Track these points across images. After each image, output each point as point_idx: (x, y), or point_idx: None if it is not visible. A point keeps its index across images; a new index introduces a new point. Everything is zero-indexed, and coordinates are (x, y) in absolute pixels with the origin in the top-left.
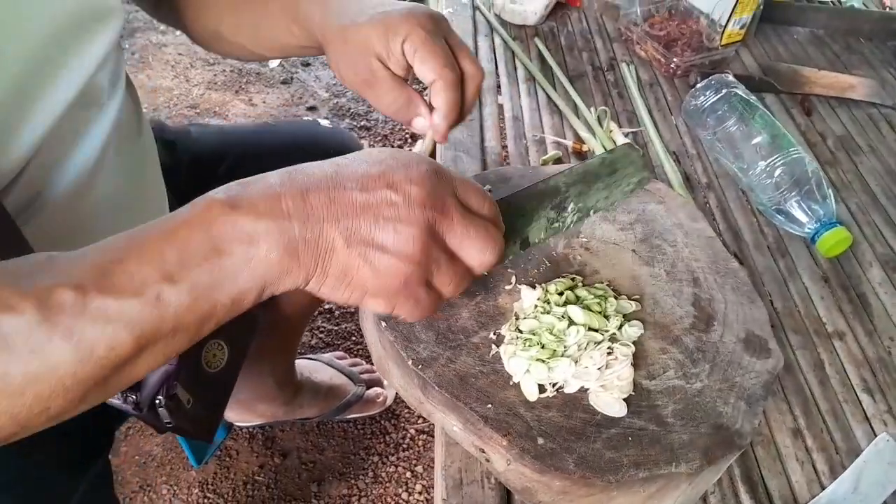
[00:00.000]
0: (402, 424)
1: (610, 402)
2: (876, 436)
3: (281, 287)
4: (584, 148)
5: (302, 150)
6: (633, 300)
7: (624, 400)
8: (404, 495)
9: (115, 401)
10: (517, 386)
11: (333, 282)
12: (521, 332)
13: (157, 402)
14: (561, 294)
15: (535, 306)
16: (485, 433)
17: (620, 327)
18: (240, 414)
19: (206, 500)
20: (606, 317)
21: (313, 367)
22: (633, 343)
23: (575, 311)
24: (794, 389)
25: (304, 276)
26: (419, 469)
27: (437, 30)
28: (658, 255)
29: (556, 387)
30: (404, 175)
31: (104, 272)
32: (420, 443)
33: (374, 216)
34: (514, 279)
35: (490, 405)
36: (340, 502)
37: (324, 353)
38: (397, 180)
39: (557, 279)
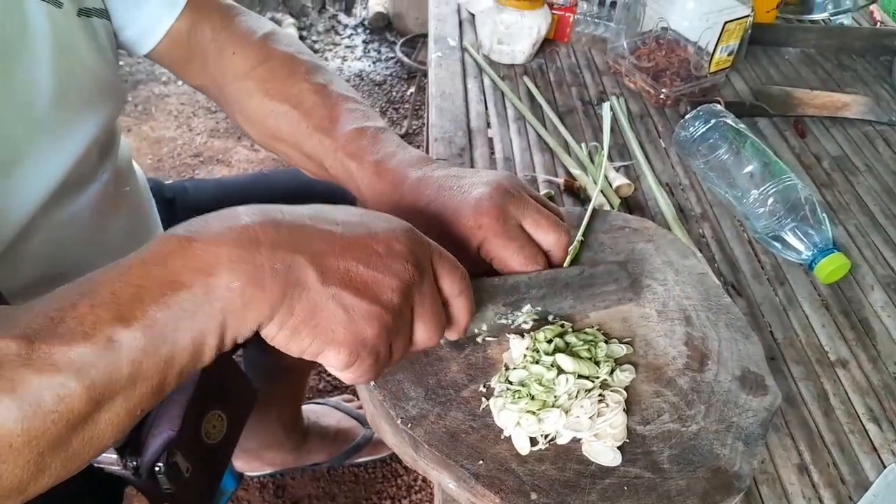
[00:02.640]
0: None
1: (603, 451)
2: (885, 467)
3: (243, 326)
4: (577, 185)
5: (297, 197)
6: (625, 343)
7: (618, 448)
8: None
9: (115, 467)
10: (509, 440)
11: (298, 323)
12: (510, 383)
13: (158, 468)
14: (550, 342)
15: (525, 356)
16: (477, 490)
17: (612, 373)
18: (248, 463)
19: None
20: (597, 363)
21: (321, 412)
22: (626, 388)
23: (564, 360)
24: (798, 423)
25: (268, 310)
26: None
27: (509, 221)
28: (649, 296)
29: (548, 438)
30: (387, 228)
31: (52, 320)
32: (432, 484)
33: (355, 258)
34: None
35: (481, 461)
36: None
37: (331, 396)
38: (380, 232)
39: (546, 326)
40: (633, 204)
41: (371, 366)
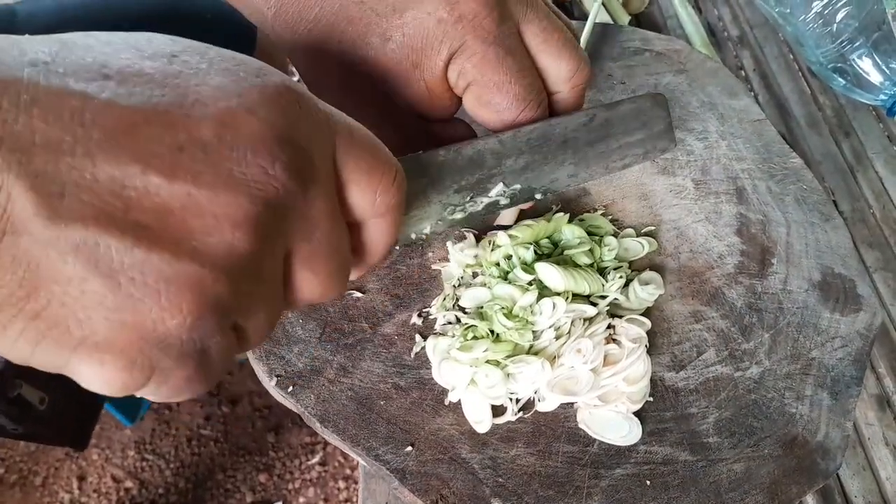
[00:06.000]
0: None
1: (613, 421)
2: None
3: None
4: None
5: (164, 20)
6: (645, 235)
7: (635, 414)
8: None
9: None
10: (457, 408)
11: None
12: (463, 311)
13: None
14: (528, 247)
15: (481, 264)
16: (403, 495)
17: (626, 286)
18: None
19: (144, 463)
20: (602, 271)
21: None
22: (648, 312)
23: (548, 271)
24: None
25: None
26: None
27: (507, 21)
28: (681, 157)
29: (522, 405)
30: (227, 87)
31: None
32: None
33: (137, 157)
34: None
35: (411, 447)
36: (303, 452)
37: None
38: (207, 93)
39: (522, 223)
40: (646, 23)
41: (190, 378)
